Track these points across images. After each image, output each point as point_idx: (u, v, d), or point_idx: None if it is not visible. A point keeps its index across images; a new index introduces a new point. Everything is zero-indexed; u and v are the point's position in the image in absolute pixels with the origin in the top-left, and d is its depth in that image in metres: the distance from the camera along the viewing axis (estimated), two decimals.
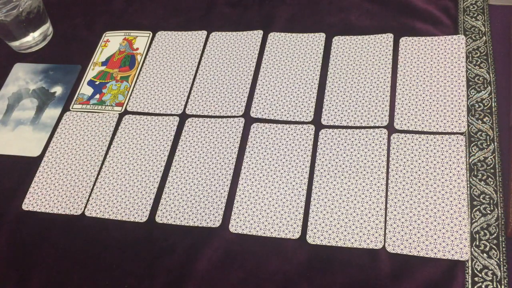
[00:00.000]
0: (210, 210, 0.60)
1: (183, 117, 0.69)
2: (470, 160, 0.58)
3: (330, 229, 0.56)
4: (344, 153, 0.61)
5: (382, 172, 0.59)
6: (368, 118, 0.63)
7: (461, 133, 0.60)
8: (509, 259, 0.52)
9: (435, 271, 0.52)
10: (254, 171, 0.62)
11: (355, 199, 0.57)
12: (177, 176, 0.63)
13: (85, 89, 0.75)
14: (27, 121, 0.73)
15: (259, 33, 0.75)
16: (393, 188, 0.58)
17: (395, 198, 0.57)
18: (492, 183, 0.56)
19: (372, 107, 0.64)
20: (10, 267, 0.60)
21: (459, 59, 0.66)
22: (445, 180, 0.57)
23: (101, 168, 0.66)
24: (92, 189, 0.64)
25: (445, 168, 0.58)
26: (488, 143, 0.59)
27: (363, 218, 0.56)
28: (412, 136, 0.61)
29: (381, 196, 0.57)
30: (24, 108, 0.75)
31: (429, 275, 0.52)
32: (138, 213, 0.61)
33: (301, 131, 0.64)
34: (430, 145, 0.60)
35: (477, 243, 0.53)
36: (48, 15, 0.82)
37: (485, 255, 0.52)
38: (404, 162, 0.59)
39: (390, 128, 0.62)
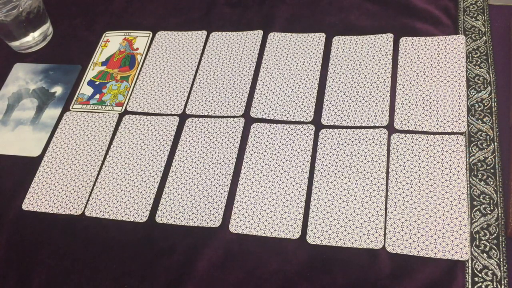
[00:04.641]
0: (210, 210, 0.60)
1: (183, 117, 0.69)
2: (470, 160, 0.58)
3: (330, 229, 0.56)
4: (344, 153, 0.61)
5: (382, 172, 0.59)
6: (368, 118, 0.63)
7: (461, 133, 0.60)
8: (509, 259, 0.52)
9: (435, 271, 0.52)
10: (254, 171, 0.62)
11: (355, 199, 0.57)
12: (177, 176, 0.63)
13: (85, 89, 0.75)
14: (27, 121, 0.73)
15: (259, 33, 0.75)
16: (393, 188, 0.58)
17: (395, 198, 0.57)
18: (492, 183, 0.56)
19: (372, 107, 0.64)
20: (10, 267, 0.60)
21: (459, 59, 0.66)
22: (445, 180, 0.57)
23: (101, 168, 0.66)
24: (92, 189, 0.64)
25: (445, 168, 0.58)
26: (488, 143, 0.59)
27: (363, 218, 0.56)
28: (412, 136, 0.61)
29: (381, 196, 0.57)
30: (24, 108, 0.75)
31: (429, 275, 0.52)
32: (138, 213, 0.61)
33: (301, 131, 0.64)
34: (430, 145, 0.60)
35: (477, 243, 0.53)
36: (48, 15, 0.82)
37: (485, 255, 0.52)
38: (404, 162, 0.59)
39: (390, 128, 0.62)
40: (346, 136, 0.63)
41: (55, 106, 0.74)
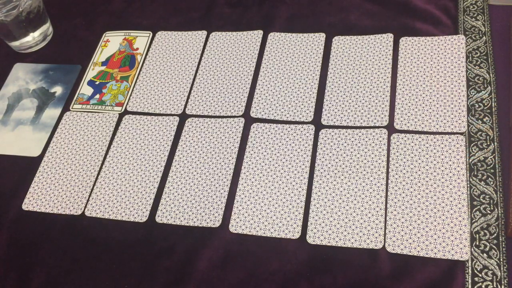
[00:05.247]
0: (210, 210, 0.60)
1: (183, 117, 0.69)
2: (470, 160, 0.58)
3: (330, 229, 0.56)
4: (344, 153, 0.61)
5: (382, 172, 0.59)
6: (368, 118, 0.63)
7: (461, 133, 0.60)
8: (509, 259, 0.52)
9: (435, 271, 0.52)
10: (254, 171, 0.62)
11: (355, 199, 0.57)
12: (177, 176, 0.63)
13: (85, 89, 0.75)
14: (27, 121, 0.73)
15: (259, 33, 0.75)
16: (393, 188, 0.58)
17: (395, 198, 0.57)
18: (492, 183, 0.56)
19: (372, 107, 0.64)
20: (10, 267, 0.60)
21: (459, 59, 0.66)
22: (445, 180, 0.57)
23: (101, 168, 0.66)
24: (92, 189, 0.64)
25: (445, 168, 0.58)
26: (488, 143, 0.59)
27: (363, 218, 0.56)
28: (412, 136, 0.61)
29: (381, 196, 0.57)
30: (24, 108, 0.75)
31: (429, 275, 0.52)
32: (138, 213, 0.61)
33: (301, 131, 0.64)
34: (430, 145, 0.60)
35: (477, 243, 0.53)
36: (48, 15, 0.82)
37: (485, 255, 0.52)
38: (404, 162, 0.59)
39: (390, 128, 0.62)
40: (346, 136, 0.63)
41: (55, 106, 0.74)
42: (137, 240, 0.59)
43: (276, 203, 0.59)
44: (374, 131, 0.62)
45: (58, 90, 0.76)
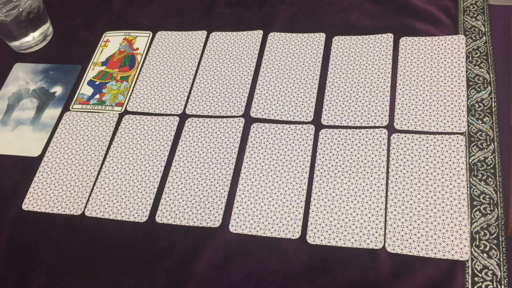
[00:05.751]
0: (210, 210, 0.60)
1: (183, 117, 0.69)
2: (470, 160, 0.58)
3: (330, 229, 0.56)
4: (344, 153, 0.61)
5: (382, 172, 0.59)
6: (368, 118, 0.63)
7: (461, 133, 0.60)
8: (509, 259, 0.52)
9: (435, 271, 0.52)
10: (254, 171, 0.62)
11: (355, 199, 0.57)
12: (177, 176, 0.63)
13: (85, 89, 0.75)
14: (27, 121, 0.73)
15: (259, 33, 0.75)
16: (393, 188, 0.58)
17: (395, 198, 0.57)
18: (492, 183, 0.56)
19: (372, 107, 0.64)
20: (10, 267, 0.60)
21: (459, 59, 0.66)
22: (445, 180, 0.57)
23: (101, 168, 0.66)
24: (92, 189, 0.64)
25: (445, 168, 0.58)
26: (488, 143, 0.59)
27: (363, 218, 0.56)
28: (412, 136, 0.61)
29: (381, 196, 0.57)
30: (24, 108, 0.75)
31: (429, 275, 0.52)
32: (138, 213, 0.61)
33: (301, 131, 0.64)
34: (430, 145, 0.60)
35: (477, 243, 0.53)
36: (48, 15, 0.82)
37: (485, 255, 0.52)
38: (404, 162, 0.59)
39: (390, 128, 0.62)
40: (346, 136, 0.63)
41: (55, 106, 0.74)
42: (137, 240, 0.59)
43: (276, 203, 0.59)
44: (374, 131, 0.62)
45: (58, 90, 0.76)
